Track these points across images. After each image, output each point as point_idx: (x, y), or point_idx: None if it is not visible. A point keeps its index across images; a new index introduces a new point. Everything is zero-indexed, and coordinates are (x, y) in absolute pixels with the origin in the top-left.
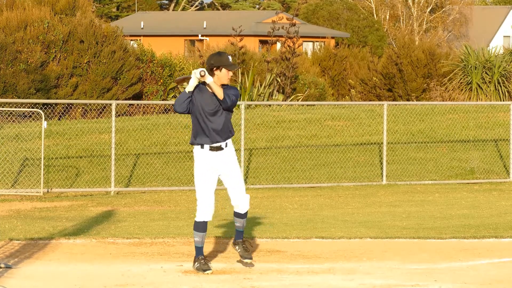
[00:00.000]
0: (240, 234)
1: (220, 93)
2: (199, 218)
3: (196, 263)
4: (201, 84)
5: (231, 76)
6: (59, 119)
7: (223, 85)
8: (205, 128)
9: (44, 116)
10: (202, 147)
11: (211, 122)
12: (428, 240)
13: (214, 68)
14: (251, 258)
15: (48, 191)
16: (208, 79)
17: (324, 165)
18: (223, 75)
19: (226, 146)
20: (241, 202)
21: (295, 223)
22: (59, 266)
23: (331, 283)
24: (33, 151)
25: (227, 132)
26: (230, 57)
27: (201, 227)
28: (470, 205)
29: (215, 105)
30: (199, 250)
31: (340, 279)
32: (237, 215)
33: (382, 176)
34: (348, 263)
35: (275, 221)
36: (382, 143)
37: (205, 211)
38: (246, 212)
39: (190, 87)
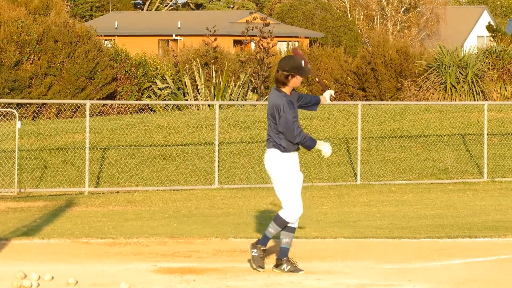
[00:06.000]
0: (286, 251)
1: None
2: (292, 220)
3: (254, 250)
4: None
5: (207, 79)
6: (33, 119)
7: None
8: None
9: (18, 116)
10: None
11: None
12: (402, 240)
13: (290, 76)
14: (303, 270)
15: (21, 191)
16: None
17: None
18: (298, 81)
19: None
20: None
21: (269, 223)
22: (33, 267)
23: (306, 283)
24: (7, 151)
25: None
26: (302, 62)
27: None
28: (444, 205)
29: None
30: (266, 239)
31: (315, 279)
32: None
33: (356, 176)
34: (323, 263)
35: (249, 221)
36: (356, 143)
37: (298, 212)
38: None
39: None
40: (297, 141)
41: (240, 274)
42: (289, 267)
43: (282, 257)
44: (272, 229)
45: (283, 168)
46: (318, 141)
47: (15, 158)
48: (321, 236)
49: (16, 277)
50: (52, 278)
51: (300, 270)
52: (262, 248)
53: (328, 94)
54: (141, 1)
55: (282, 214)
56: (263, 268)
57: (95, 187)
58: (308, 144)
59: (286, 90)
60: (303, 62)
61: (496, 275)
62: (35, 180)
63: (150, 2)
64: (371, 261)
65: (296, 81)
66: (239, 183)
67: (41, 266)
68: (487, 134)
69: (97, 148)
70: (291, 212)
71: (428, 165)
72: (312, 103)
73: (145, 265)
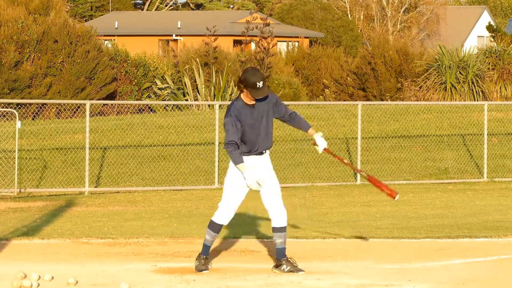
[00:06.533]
0: (283, 251)
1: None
2: (218, 220)
3: (197, 261)
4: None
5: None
6: (33, 119)
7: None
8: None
9: (18, 116)
10: None
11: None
12: (402, 240)
13: (241, 86)
14: (303, 270)
15: (21, 191)
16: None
17: (298, 165)
18: (248, 96)
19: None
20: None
21: (269, 223)
22: (33, 267)
23: (306, 283)
24: (7, 151)
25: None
26: (261, 83)
27: (217, 228)
28: (444, 205)
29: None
30: (206, 249)
31: (315, 279)
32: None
33: (356, 176)
34: (323, 263)
35: (249, 221)
36: (356, 143)
37: (227, 216)
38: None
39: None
40: (225, 148)
41: (240, 274)
42: (289, 267)
43: (281, 257)
44: (208, 235)
45: (232, 169)
46: (244, 165)
47: (15, 158)
48: (321, 236)
49: (16, 277)
50: (52, 278)
51: (300, 270)
52: (203, 257)
53: (321, 143)
54: (141, 1)
55: (213, 217)
56: (207, 270)
57: (95, 187)
58: (231, 158)
59: (243, 97)
60: (259, 84)
61: (496, 275)
62: (35, 180)
63: (150, 2)
64: (371, 261)
65: (246, 94)
66: None
67: (41, 266)
68: (487, 134)
69: (97, 148)
70: (221, 212)
71: (428, 165)
72: (296, 123)
73: (145, 265)
